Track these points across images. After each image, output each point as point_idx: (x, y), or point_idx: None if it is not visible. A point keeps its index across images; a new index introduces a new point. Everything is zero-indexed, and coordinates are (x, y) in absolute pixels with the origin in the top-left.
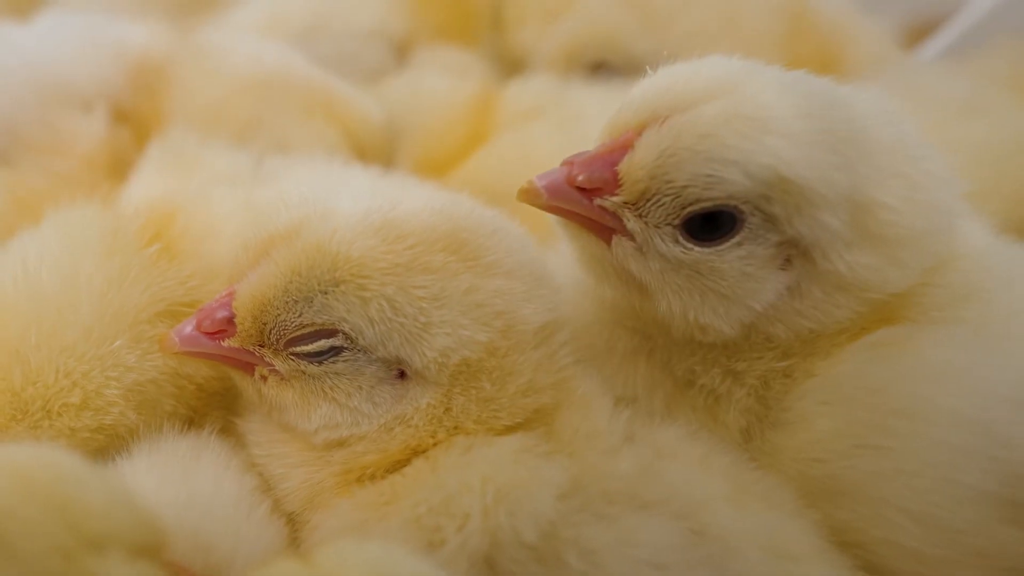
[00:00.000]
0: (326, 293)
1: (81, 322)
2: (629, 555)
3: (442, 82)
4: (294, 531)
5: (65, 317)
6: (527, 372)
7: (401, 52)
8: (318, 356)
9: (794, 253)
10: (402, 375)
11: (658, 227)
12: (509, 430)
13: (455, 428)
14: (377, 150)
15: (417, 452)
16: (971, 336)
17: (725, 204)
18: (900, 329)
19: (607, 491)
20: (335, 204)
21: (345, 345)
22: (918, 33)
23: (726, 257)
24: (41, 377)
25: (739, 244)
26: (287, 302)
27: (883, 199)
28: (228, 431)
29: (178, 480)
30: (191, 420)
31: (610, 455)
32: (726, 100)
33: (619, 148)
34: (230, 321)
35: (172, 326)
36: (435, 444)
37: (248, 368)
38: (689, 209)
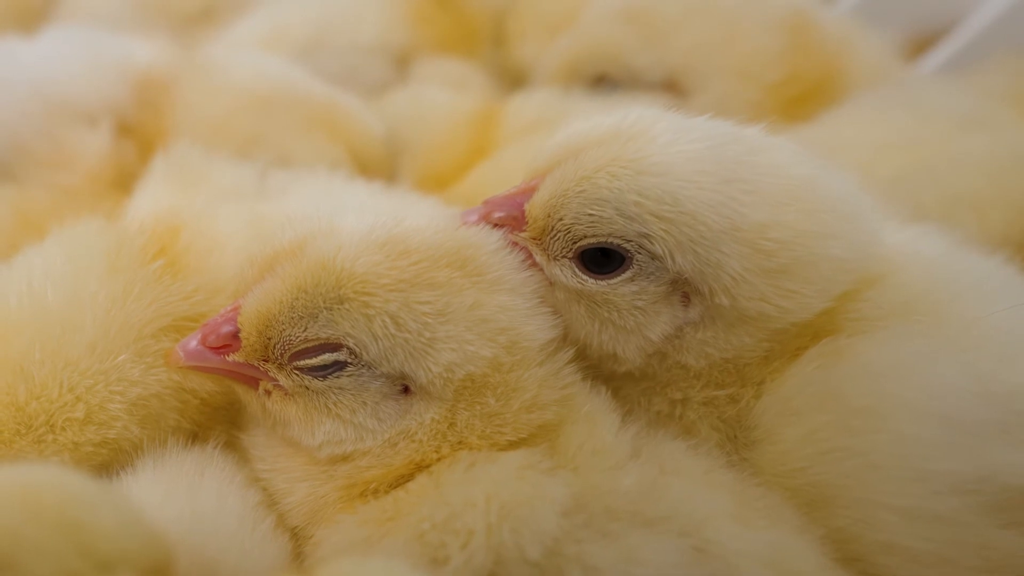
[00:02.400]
0: (331, 310)
1: (85, 337)
2: (632, 573)
3: (444, 96)
4: (298, 546)
5: (69, 333)
6: (532, 388)
7: (403, 65)
8: (322, 371)
9: (690, 289)
10: (406, 390)
11: (558, 260)
12: (512, 445)
13: (459, 443)
14: (379, 164)
15: (421, 467)
16: (919, 338)
17: (608, 241)
18: (839, 339)
19: (610, 508)
20: (340, 220)
21: (349, 360)
22: (918, 46)
23: (619, 291)
24: (45, 392)
25: (631, 280)
26: (293, 318)
27: (770, 234)
28: (232, 446)
29: (183, 496)
30: (195, 435)
31: (615, 471)
32: (612, 145)
33: (528, 190)
34: (235, 336)
35: (176, 341)
36: (439, 459)
37: (252, 383)
38: (579, 244)
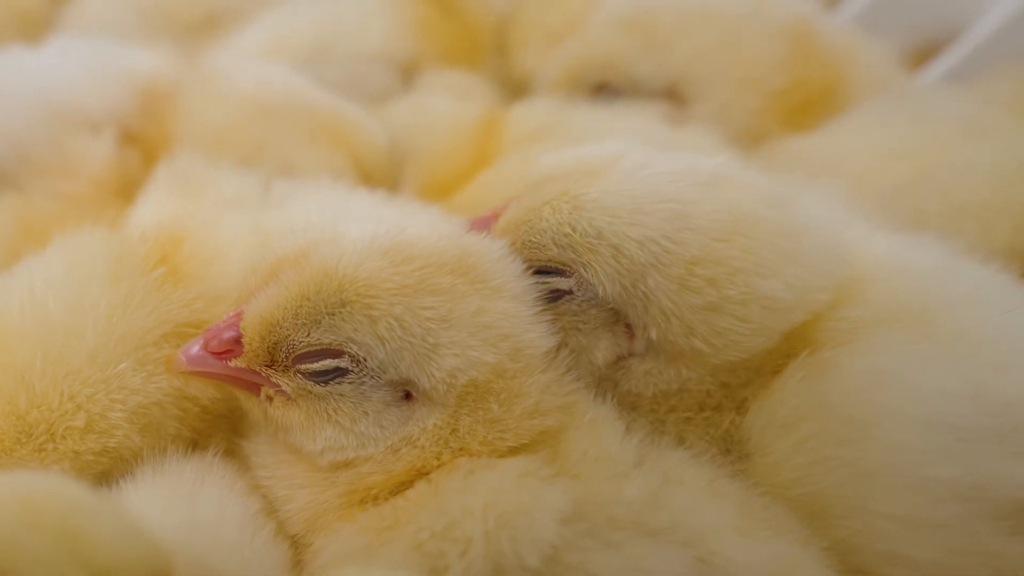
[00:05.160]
0: (333, 314)
1: (86, 346)
2: None
3: (446, 104)
4: (297, 554)
5: (71, 342)
6: (534, 394)
7: (407, 75)
8: (324, 376)
9: (629, 320)
10: (408, 396)
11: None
12: (513, 452)
13: (461, 449)
14: (383, 173)
15: (422, 474)
16: (905, 346)
17: (548, 265)
18: (822, 352)
19: (614, 516)
20: (343, 229)
21: (351, 368)
22: (921, 55)
23: (560, 309)
24: (46, 400)
25: (571, 301)
26: (296, 323)
27: (698, 271)
28: (232, 453)
29: (183, 504)
30: (195, 442)
31: (618, 480)
32: (568, 179)
33: (496, 215)
34: (237, 341)
35: (177, 348)
36: (440, 465)
37: (254, 388)
38: (527, 265)
